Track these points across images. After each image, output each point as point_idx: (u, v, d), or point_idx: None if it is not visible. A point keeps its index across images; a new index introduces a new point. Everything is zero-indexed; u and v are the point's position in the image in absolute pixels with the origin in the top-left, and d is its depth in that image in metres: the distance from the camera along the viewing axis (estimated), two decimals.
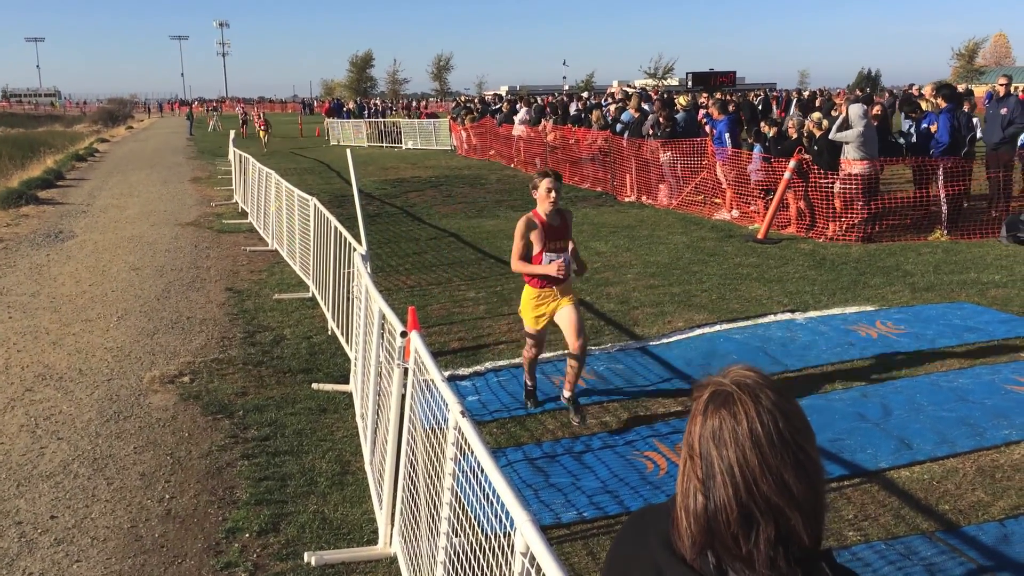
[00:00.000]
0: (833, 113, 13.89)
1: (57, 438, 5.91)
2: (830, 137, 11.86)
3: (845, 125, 11.74)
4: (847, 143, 11.63)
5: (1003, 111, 12.18)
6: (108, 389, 6.89)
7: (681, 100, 17.27)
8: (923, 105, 14.65)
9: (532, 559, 2.06)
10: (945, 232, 11.83)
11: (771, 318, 8.22)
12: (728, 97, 20.27)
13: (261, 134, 35.19)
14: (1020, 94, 14.95)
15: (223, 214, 16.74)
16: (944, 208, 11.95)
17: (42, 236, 14.56)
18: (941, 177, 11.82)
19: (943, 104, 12.12)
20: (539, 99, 30.23)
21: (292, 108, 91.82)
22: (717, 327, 8.00)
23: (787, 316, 8.27)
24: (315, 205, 9.31)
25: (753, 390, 1.39)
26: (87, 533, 4.63)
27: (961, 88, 20.05)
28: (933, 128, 12.34)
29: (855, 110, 11.75)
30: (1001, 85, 12.92)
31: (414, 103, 70.31)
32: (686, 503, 1.40)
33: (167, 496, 5.04)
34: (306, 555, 4.28)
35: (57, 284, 10.75)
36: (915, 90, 24.94)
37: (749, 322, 8.14)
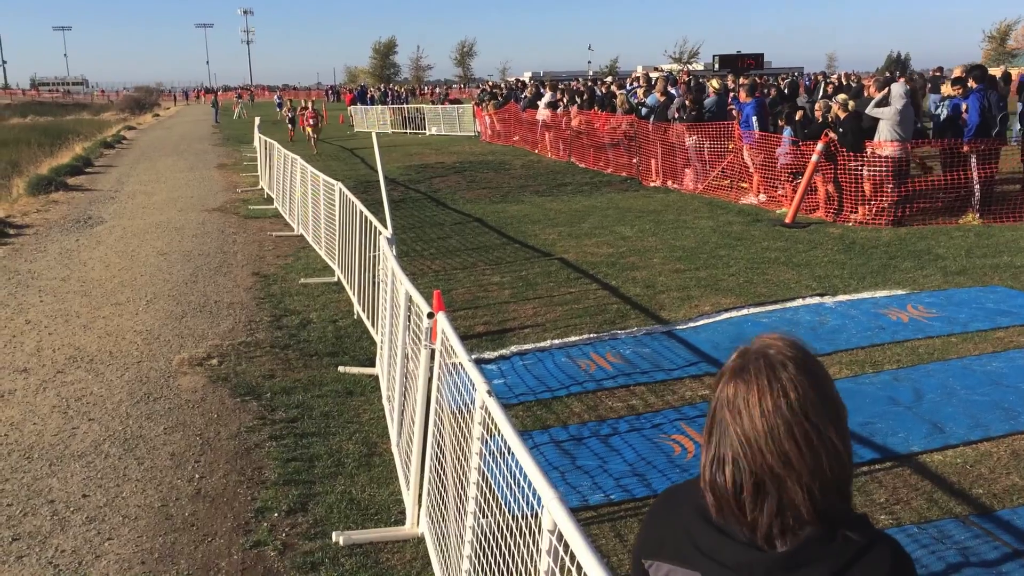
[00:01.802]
0: (866, 94, 13.68)
1: (88, 419, 5.98)
2: (867, 112, 11.70)
3: (883, 102, 11.58)
4: (884, 119, 11.47)
5: None
6: (138, 371, 6.96)
7: (714, 83, 17.07)
8: (945, 90, 14.38)
9: (560, 536, 2.05)
10: (978, 215, 11.64)
11: (800, 302, 8.14)
12: (759, 80, 20.03)
13: (308, 131, 27.45)
14: None
15: (249, 200, 16.84)
16: (977, 191, 11.75)
17: (72, 222, 14.72)
18: (974, 159, 11.62)
19: (973, 85, 11.90)
20: (562, 84, 30.10)
21: (316, 95, 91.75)
22: (745, 311, 7.93)
23: (816, 300, 8.18)
24: (340, 190, 9.32)
25: (773, 362, 1.40)
26: (118, 512, 4.68)
27: (998, 72, 19.71)
28: (964, 107, 12.12)
29: (897, 88, 11.60)
30: None
31: (437, 89, 69.96)
32: (703, 469, 1.44)
33: (197, 476, 5.08)
34: (334, 535, 4.30)
35: (87, 269, 10.87)
36: (942, 72, 24.49)
37: (777, 306, 8.06)
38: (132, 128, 45.61)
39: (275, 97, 67.42)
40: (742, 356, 1.44)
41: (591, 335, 7.38)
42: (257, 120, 24.68)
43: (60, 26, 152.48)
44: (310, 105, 30.29)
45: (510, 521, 2.69)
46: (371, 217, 7.52)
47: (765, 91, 17.77)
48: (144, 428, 5.81)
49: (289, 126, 32.59)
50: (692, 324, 7.62)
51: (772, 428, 1.35)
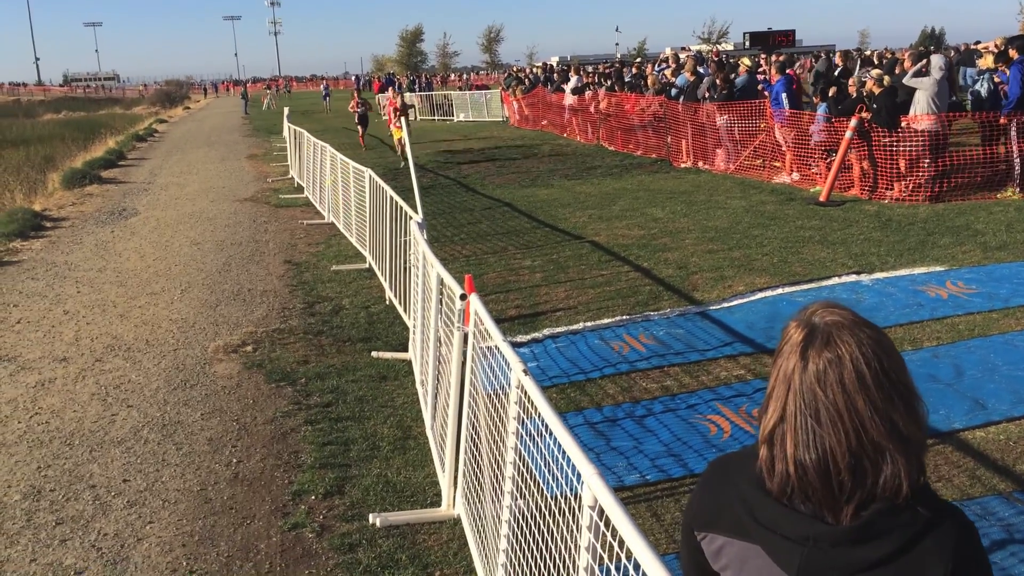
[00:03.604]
0: (897, 70, 13.45)
1: (127, 406, 6.06)
2: (904, 81, 11.52)
3: (920, 73, 11.39)
4: (922, 90, 11.28)
5: None
6: (174, 359, 7.03)
7: (745, 61, 16.84)
8: (982, 63, 14.07)
9: (601, 512, 2.02)
10: (1018, 190, 11.40)
11: (836, 280, 8.03)
12: (795, 57, 19.74)
13: (394, 133, 19.67)
14: None
15: (280, 189, 16.94)
16: (1017, 165, 11.50)
17: (107, 214, 14.90)
18: (1014, 132, 11.36)
19: (1015, 56, 11.63)
20: (591, 68, 29.92)
21: (345, 85, 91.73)
22: (779, 290, 7.84)
23: (853, 278, 8.06)
24: (371, 176, 9.34)
25: (851, 329, 1.34)
26: (158, 496, 4.74)
27: None
28: (997, 80, 11.89)
29: (936, 60, 11.43)
30: None
31: (465, 76, 69.68)
32: (779, 450, 1.36)
33: (234, 460, 5.13)
34: (371, 516, 4.32)
35: (122, 259, 11.00)
36: (980, 47, 23.96)
37: (813, 284, 7.96)
38: (163, 121, 46.04)
39: (321, 87, 55.01)
40: (807, 327, 1.37)
41: (624, 317, 7.33)
42: (287, 110, 24.80)
43: (91, 22, 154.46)
44: (399, 97, 20.20)
45: (550, 502, 2.67)
46: (401, 203, 7.52)
47: (798, 63, 17.52)
48: (182, 414, 5.87)
49: (359, 128, 23.24)
50: (726, 304, 7.54)
51: (874, 400, 1.30)
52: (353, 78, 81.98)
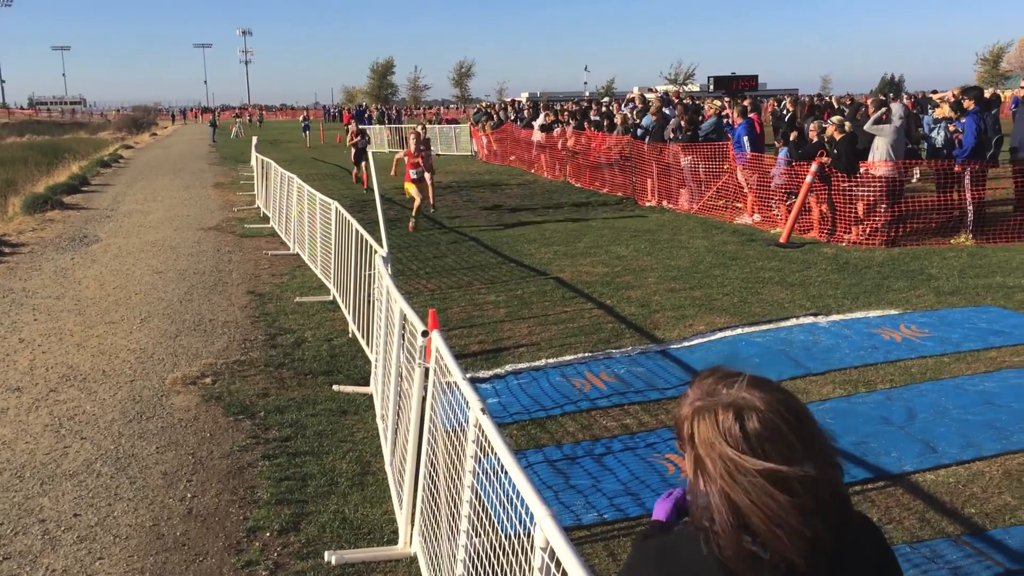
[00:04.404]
0: (858, 117, 13.82)
1: (81, 438, 5.96)
2: (865, 128, 11.85)
3: (880, 120, 11.74)
4: (881, 137, 11.60)
5: None
6: (131, 390, 6.94)
7: (716, 103, 17.17)
8: (938, 112, 14.53)
9: (552, 554, 2.04)
10: (970, 236, 11.70)
11: (793, 321, 8.16)
12: (760, 102, 20.20)
13: (407, 188, 14.98)
14: None
15: (245, 219, 16.86)
16: (970, 212, 11.82)
17: (67, 240, 14.71)
18: (968, 180, 11.69)
19: (971, 106, 12.00)
20: (559, 105, 30.29)
21: (314, 115, 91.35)
22: (739, 330, 7.95)
23: (810, 319, 8.20)
24: (337, 209, 9.35)
25: (758, 394, 1.37)
26: (110, 531, 4.66)
27: (988, 93, 19.89)
28: (953, 128, 12.28)
29: (897, 108, 11.80)
30: None
31: (434, 108, 69.99)
32: (743, 542, 1.34)
33: (189, 495, 5.06)
34: (326, 554, 4.29)
35: (82, 287, 10.86)
36: (937, 96, 24.68)
37: (771, 325, 8.08)
38: (129, 147, 45.68)
39: (300, 118, 48.99)
40: (712, 411, 1.36)
41: (586, 354, 7.38)
42: (255, 140, 24.74)
43: (59, 46, 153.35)
44: (417, 139, 15.33)
45: (503, 540, 2.69)
46: (367, 236, 7.54)
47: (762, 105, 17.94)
48: (136, 447, 5.79)
49: (356, 164, 21.63)
50: (686, 343, 7.63)
51: (820, 445, 1.33)
52: (322, 109, 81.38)
